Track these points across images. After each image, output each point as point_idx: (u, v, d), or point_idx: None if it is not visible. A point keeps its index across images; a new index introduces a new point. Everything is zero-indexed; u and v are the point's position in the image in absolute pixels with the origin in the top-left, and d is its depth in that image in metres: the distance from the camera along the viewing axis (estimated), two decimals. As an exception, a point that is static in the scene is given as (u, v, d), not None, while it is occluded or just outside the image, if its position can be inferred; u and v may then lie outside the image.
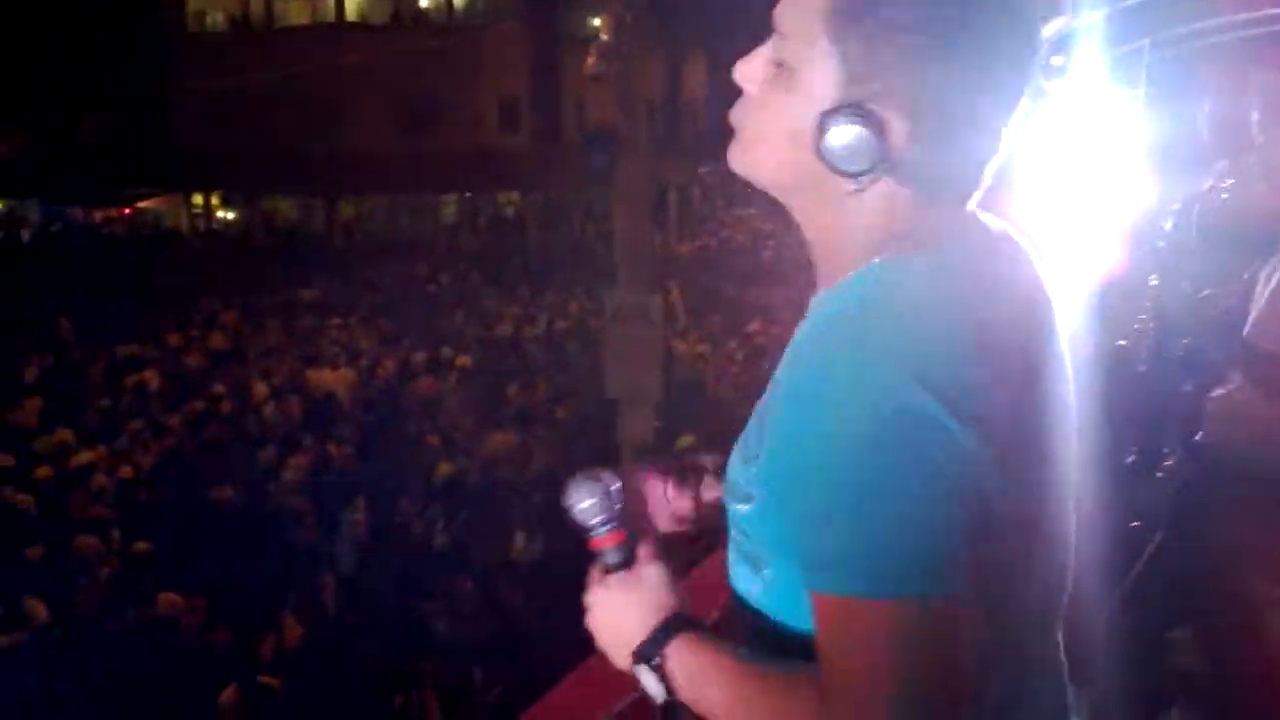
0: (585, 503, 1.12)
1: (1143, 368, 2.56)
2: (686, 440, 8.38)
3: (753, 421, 1.05)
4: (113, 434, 10.62)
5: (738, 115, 1.05)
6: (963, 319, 0.92)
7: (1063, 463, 1.01)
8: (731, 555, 1.09)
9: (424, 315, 16.22)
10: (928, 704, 0.87)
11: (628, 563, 1.11)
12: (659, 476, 1.27)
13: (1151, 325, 2.58)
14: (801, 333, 1.02)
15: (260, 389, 11.96)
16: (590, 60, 9.67)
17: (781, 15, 0.99)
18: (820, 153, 0.95)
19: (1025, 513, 0.95)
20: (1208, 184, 2.53)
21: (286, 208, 30.92)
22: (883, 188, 0.97)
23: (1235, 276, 2.33)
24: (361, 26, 26.72)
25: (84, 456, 9.78)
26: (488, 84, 27.35)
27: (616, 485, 1.14)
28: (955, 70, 0.93)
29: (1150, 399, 2.48)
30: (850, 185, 0.96)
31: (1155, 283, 2.60)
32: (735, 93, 1.07)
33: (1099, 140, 2.28)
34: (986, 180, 1.01)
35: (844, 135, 0.93)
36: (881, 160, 0.94)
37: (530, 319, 15.51)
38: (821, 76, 0.96)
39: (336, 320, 15.94)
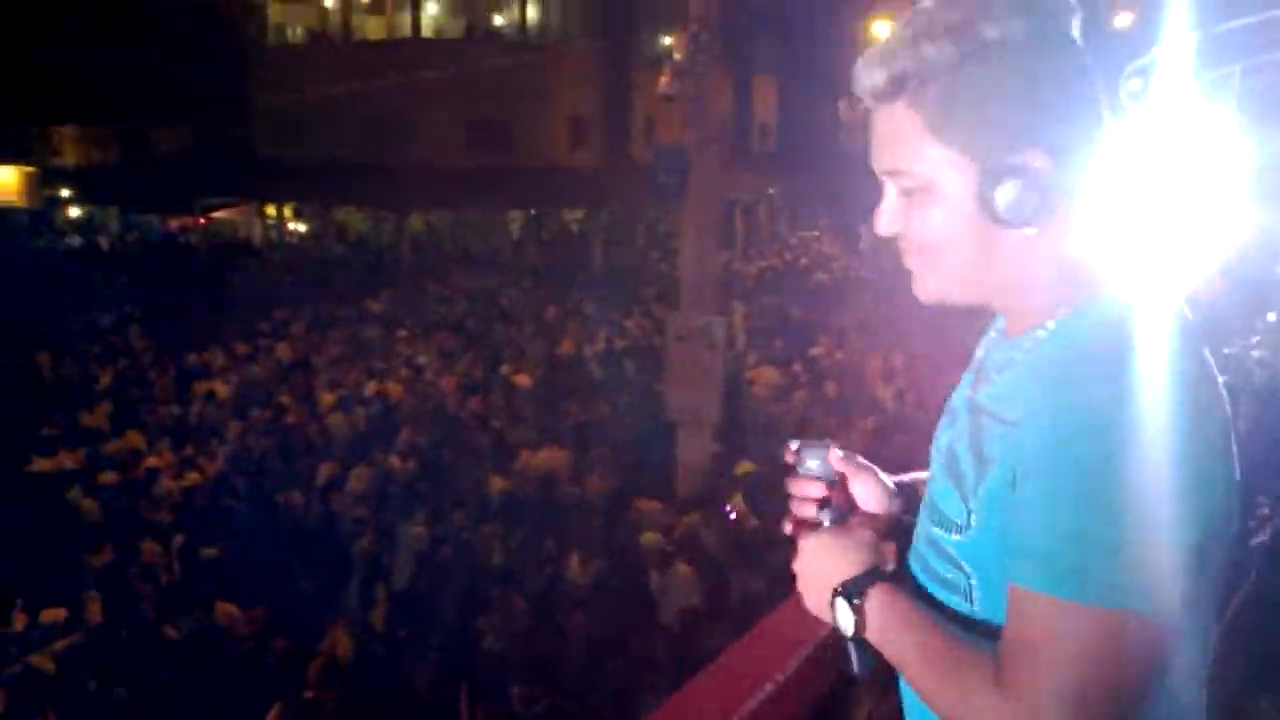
0: (813, 462, 1.30)
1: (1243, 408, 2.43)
2: (746, 466, 8.26)
3: (961, 448, 1.16)
4: (180, 440, 10.80)
5: (908, 258, 1.16)
6: (1183, 355, 1.03)
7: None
8: (926, 581, 1.21)
9: (488, 330, 16.30)
10: (1100, 714, 0.97)
11: (841, 520, 1.27)
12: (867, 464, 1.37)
13: (1258, 363, 2.45)
14: (1025, 370, 1.11)
15: (326, 399, 12.10)
16: (664, 80, 9.67)
17: (885, 157, 1.12)
18: (998, 217, 1.06)
19: (1222, 550, 1.04)
20: None
21: (357, 220, 31.39)
22: (1045, 234, 1.09)
23: None
24: (436, 43, 27.07)
25: (151, 462, 9.95)
26: (558, 102, 27.55)
27: (838, 454, 1.31)
28: (1038, 108, 1.05)
29: (1249, 442, 2.34)
30: (1030, 232, 1.07)
31: (1274, 319, 2.46)
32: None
33: (1189, 167, 2.18)
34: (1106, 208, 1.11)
35: (1007, 192, 1.05)
36: (1044, 195, 1.05)
37: (591, 336, 15.50)
38: (952, 174, 1.08)
39: (403, 332, 16.08)
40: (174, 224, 32.14)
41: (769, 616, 1.64)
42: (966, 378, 1.29)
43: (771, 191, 33.60)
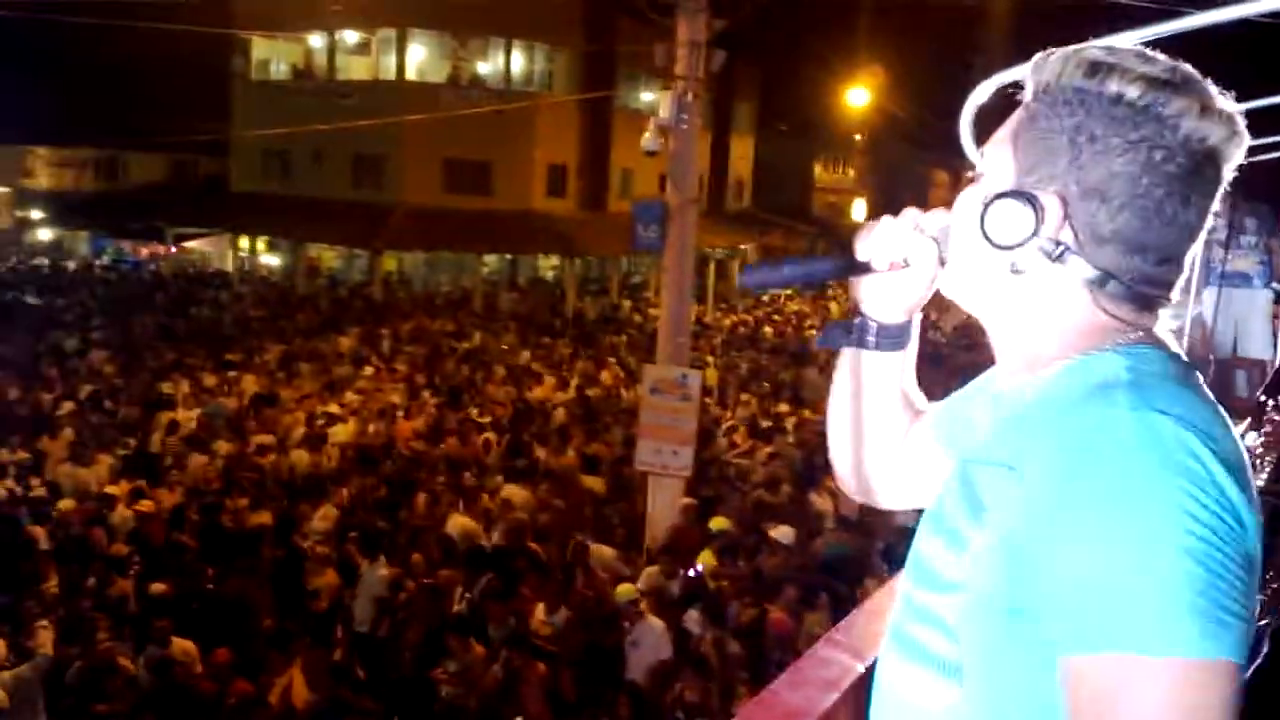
0: None
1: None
2: (720, 523, 8.24)
3: (949, 502, 1.08)
4: (141, 470, 10.63)
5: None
6: (1208, 400, 0.98)
7: None
8: (901, 662, 1.10)
9: (457, 372, 16.24)
10: None
11: None
12: None
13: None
14: (1027, 401, 1.06)
15: (293, 434, 11.97)
16: (646, 135, 9.77)
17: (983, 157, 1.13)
18: (980, 228, 1.06)
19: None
20: None
21: (330, 256, 31.32)
22: (1068, 285, 1.05)
23: None
24: (419, 85, 27.24)
25: (109, 490, 9.79)
26: (537, 149, 27.76)
27: None
28: (1100, 166, 1.01)
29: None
30: (1009, 262, 1.05)
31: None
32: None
33: None
34: (1165, 288, 1.06)
35: (998, 211, 1.04)
36: (1034, 235, 1.02)
37: (563, 384, 15.48)
38: (1000, 177, 1.08)
39: (371, 371, 15.99)
40: (145, 251, 31.91)
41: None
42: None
43: (744, 247, 33.92)
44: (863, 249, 1.23)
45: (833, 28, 28.27)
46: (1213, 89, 1.01)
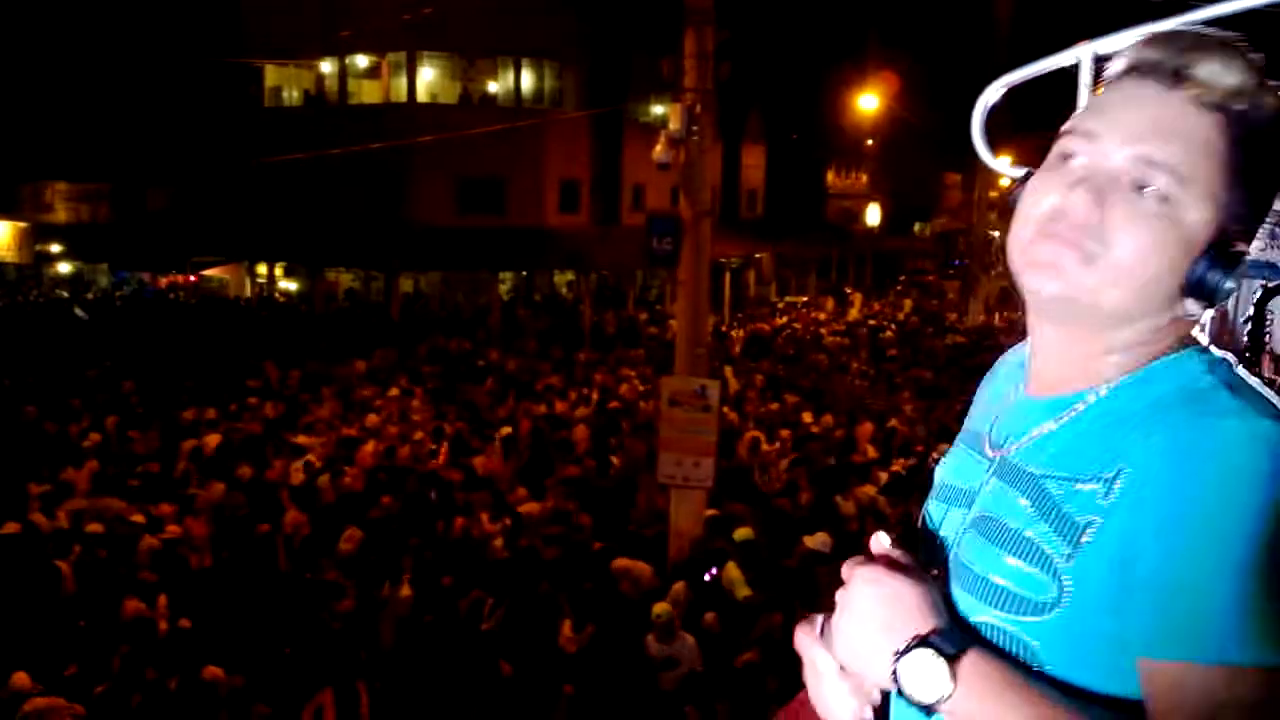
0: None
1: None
2: (744, 532, 8.21)
3: (1015, 519, 1.03)
4: (164, 497, 10.67)
5: (1104, 234, 1.02)
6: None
7: None
8: None
9: (478, 389, 16.27)
10: None
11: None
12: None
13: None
14: (1106, 416, 1.02)
15: (314, 458, 12.00)
16: (658, 149, 9.78)
17: (1167, 150, 1.00)
18: (1194, 288, 1.01)
19: None
20: None
21: (347, 279, 31.48)
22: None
23: None
24: (430, 107, 27.40)
25: (134, 519, 9.83)
26: (549, 166, 27.86)
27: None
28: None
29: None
30: (1200, 312, 1.03)
31: None
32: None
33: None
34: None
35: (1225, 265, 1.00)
36: (1230, 279, 1.00)
37: (583, 399, 15.49)
38: (1202, 219, 1.00)
39: (392, 392, 16.03)
40: (164, 281, 32.15)
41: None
42: (966, 444, 1.21)
43: (759, 256, 33.89)
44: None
45: (841, 33, 28.27)
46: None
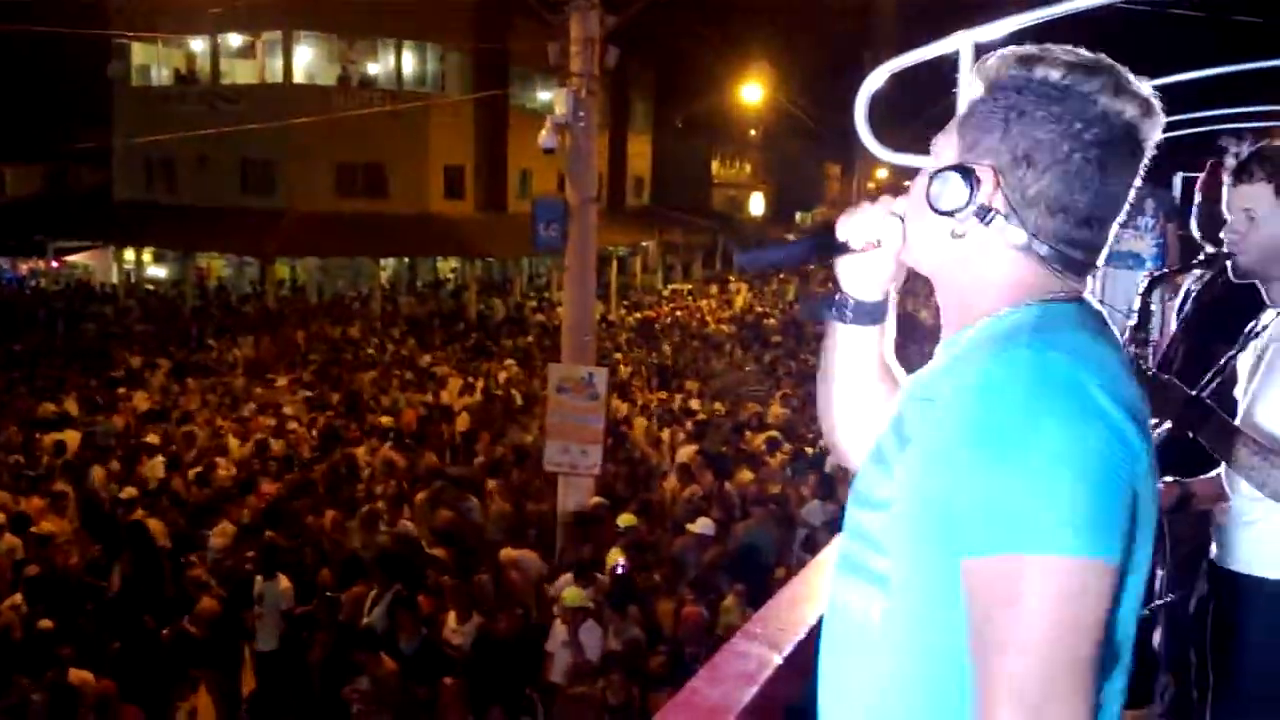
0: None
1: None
2: (629, 519, 8.21)
3: (885, 432, 1.22)
4: (25, 492, 10.16)
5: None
6: (1111, 344, 1.14)
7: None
8: (842, 577, 1.24)
9: (356, 379, 15.93)
10: (1078, 655, 1.00)
11: None
12: None
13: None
14: (958, 349, 1.18)
15: (186, 451, 11.59)
16: (543, 133, 9.69)
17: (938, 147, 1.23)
18: (927, 200, 1.18)
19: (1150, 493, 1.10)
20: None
21: (219, 265, 30.48)
22: (1000, 247, 1.18)
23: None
24: (307, 88, 26.65)
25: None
26: (433, 151, 27.41)
27: None
28: (1030, 140, 1.15)
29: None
30: (949, 227, 1.18)
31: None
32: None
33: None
34: (1096, 254, 1.19)
35: (939, 182, 1.17)
36: (970, 202, 1.15)
37: (468, 387, 15.30)
38: (945, 158, 1.22)
39: (266, 381, 15.59)
40: (24, 267, 30.67)
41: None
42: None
43: (646, 244, 34.01)
44: (842, 230, 1.34)
45: (726, 24, 28.47)
46: (1128, 73, 1.16)
